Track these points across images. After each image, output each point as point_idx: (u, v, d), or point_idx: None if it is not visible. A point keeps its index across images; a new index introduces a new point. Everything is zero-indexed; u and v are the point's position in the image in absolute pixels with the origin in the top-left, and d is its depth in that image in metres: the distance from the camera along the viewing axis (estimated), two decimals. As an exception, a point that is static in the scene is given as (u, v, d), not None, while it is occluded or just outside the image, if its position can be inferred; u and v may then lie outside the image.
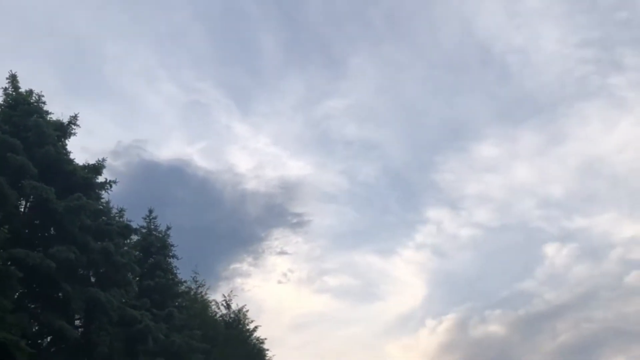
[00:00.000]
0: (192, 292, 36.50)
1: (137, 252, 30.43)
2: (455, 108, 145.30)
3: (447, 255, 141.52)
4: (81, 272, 24.40)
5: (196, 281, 38.69)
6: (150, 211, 32.34)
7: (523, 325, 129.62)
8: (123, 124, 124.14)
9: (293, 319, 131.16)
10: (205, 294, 39.74)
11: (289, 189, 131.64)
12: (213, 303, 40.20)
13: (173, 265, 32.14)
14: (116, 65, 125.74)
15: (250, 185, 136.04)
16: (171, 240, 32.35)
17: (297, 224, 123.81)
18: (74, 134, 26.09)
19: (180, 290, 32.59)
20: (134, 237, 30.63)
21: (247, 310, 40.59)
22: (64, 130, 25.62)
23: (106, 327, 23.08)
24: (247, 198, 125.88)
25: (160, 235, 32.11)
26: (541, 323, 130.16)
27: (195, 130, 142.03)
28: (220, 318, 39.52)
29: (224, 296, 40.71)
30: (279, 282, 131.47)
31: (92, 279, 24.98)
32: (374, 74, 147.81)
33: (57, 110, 26.30)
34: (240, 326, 39.65)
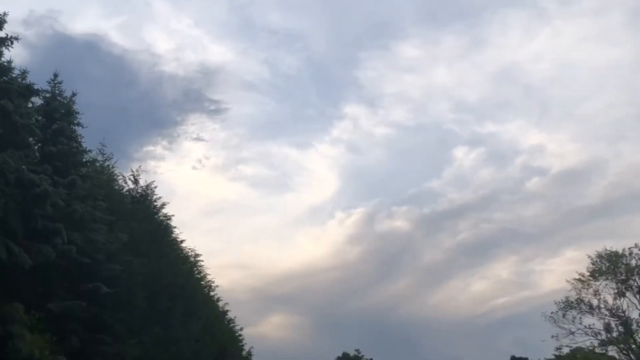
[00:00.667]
0: (97, 164, 35.48)
1: (40, 117, 29.06)
2: (381, 4, 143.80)
3: (362, 151, 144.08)
4: (-24, 130, 23.17)
5: (103, 153, 37.61)
6: (55, 75, 30.62)
7: (427, 223, 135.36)
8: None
9: (206, 205, 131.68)
10: (113, 167, 38.83)
11: (209, 74, 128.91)
12: (120, 177, 39.35)
13: (78, 133, 30.92)
14: None
15: (169, 67, 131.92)
16: (77, 107, 30.98)
17: (214, 110, 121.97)
18: (-29, -17, 24.06)
19: (84, 160, 31.57)
20: (37, 101, 29.13)
21: (156, 187, 40.02)
22: (-41, -24, 23.55)
23: (2, 189, 22.15)
24: (164, 80, 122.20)
25: (65, 101, 30.64)
26: (444, 221, 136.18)
27: (112, 3, 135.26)
28: (127, 192, 38.83)
29: (132, 171, 39.82)
30: (194, 168, 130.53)
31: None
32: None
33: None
34: (147, 202, 39.14)
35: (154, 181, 40.25)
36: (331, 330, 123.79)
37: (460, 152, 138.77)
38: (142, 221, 35.83)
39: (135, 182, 39.47)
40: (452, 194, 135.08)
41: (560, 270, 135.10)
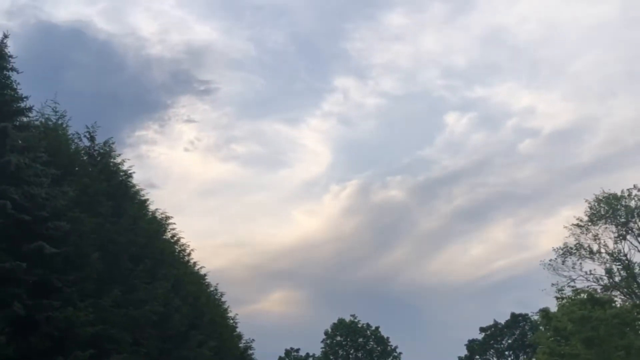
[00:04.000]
0: (42, 118, 32.23)
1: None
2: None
3: (353, 123, 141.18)
4: None
5: (56, 111, 34.32)
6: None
7: (421, 190, 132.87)
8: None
9: (200, 185, 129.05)
10: (67, 126, 35.48)
11: (195, 54, 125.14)
12: (75, 136, 36.06)
13: (12, 79, 27.54)
14: None
15: (155, 50, 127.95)
16: (10, 51, 27.54)
17: (204, 91, 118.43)
18: None
19: (21, 107, 28.18)
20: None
21: (114, 143, 36.73)
22: None
23: None
24: (151, 63, 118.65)
25: (-6, 43, 27.22)
26: (438, 188, 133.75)
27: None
28: (83, 150, 35.60)
29: (87, 127, 36.48)
30: (186, 149, 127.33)
31: None
32: None
33: None
34: (105, 159, 35.92)
35: (111, 137, 37.04)
36: (330, 302, 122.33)
37: (451, 118, 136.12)
38: (98, 179, 32.69)
39: (91, 139, 36.30)
40: (446, 161, 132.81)
41: (556, 230, 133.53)
